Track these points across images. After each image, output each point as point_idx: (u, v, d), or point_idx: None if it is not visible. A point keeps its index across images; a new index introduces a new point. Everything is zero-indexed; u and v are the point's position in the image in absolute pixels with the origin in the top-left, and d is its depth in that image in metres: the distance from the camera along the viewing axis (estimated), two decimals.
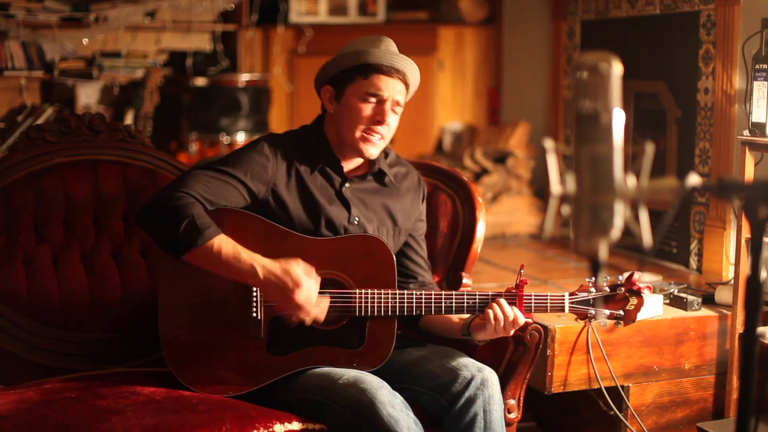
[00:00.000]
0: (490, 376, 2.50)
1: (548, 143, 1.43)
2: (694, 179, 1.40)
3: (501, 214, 5.09)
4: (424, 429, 2.42)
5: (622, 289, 2.55)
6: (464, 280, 2.93)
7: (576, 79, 1.42)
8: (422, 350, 2.65)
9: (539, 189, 5.29)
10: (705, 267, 4.02)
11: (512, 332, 2.55)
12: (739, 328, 3.30)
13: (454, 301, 2.54)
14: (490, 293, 2.54)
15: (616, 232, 1.41)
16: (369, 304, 2.53)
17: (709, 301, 3.50)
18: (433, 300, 2.54)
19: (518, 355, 2.68)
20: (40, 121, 5.17)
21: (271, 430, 2.42)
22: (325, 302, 2.49)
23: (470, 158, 5.32)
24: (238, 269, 2.43)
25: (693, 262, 4.14)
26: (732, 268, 3.70)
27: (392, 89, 2.59)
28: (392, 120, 2.62)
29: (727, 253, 3.88)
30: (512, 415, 2.69)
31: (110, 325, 2.88)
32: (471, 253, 2.96)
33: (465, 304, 2.54)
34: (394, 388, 2.47)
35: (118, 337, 2.88)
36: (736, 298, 3.31)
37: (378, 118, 2.58)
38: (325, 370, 2.52)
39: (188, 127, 5.36)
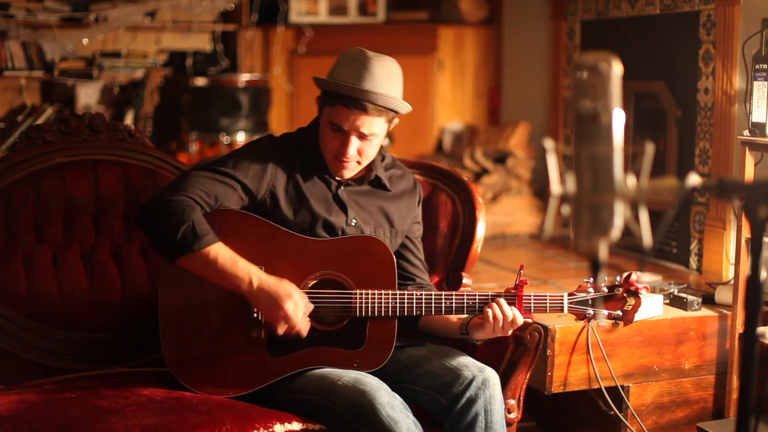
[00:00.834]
0: (491, 376, 2.50)
1: (548, 143, 1.43)
2: (694, 179, 1.40)
3: (501, 214, 5.09)
4: (425, 429, 2.42)
5: (620, 289, 2.55)
6: (464, 280, 2.93)
7: (576, 79, 1.42)
8: (422, 350, 2.65)
9: (539, 189, 5.29)
10: (705, 267, 4.02)
11: (510, 332, 2.56)
12: (739, 328, 3.30)
13: (454, 301, 2.54)
14: (490, 293, 2.54)
15: (616, 232, 1.41)
16: (369, 305, 2.53)
17: (709, 301, 3.50)
18: (433, 300, 2.54)
19: (518, 355, 2.68)
20: (40, 121, 5.17)
21: (271, 430, 2.42)
22: (306, 323, 2.49)
23: (470, 158, 5.32)
24: (233, 276, 2.44)
25: (693, 262, 4.14)
26: (732, 268, 3.70)
27: (354, 123, 2.54)
28: (365, 146, 2.58)
29: (727, 253, 3.88)
30: (512, 415, 2.69)
31: (110, 325, 2.88)
32: (471, 253, 2.96)
33: (465, 305, 2.54)
34: (394, 388, 2.47)
35: (118, 337, 2.88)
36: (736, 298, 3.31)
37: (342, 150, 2.57)
38: (325, 371, 2.52)
39: (188, 127, 5.36)
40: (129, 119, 5.32)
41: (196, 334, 2.56)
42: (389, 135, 5.20)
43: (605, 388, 3.23)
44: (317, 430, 2.47)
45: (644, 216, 1.41)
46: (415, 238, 2.80)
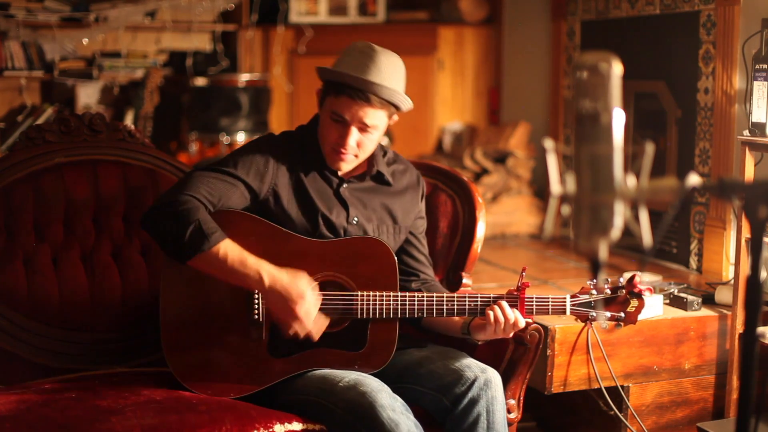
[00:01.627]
0: (493, 377, 2.50)
1: (548, 143, 1.42)
2: (694, 179, 1.40)
3: (501, 214, 5.09)
4: (426, 430, 2.42)
5: (624, 291, 2.55)
6: (464, 280, 2.93)
7: (576, 79, 1.42)
8: (424, 351, 2.65)
9: (539, 189, 5.29)
10: (705, 267, 4.02)
11: (512, 334, 2.56)
12: (739, 328, 3.30)
13: (455, 303, 2.54)
14: (491, 296, 2.54)
15: (616, 232, 1.41)
16: (370, 307, 2.53)
17: (709, 301, 3.50)
18: (435, 302, 2.54)
19: (518, 355, 2.68)
20: (40, 121, 5.17)
21: (271, 430, 2.42)
22: (324, 321, 2.49)
23: (470, 158, 5.32)
24: (243, 274, 2.44)
25: (693, 262, 4.14)
26: (732, 268, 3.70)
27: (356, 114, 2.55)
28: (364, 139, 2.58)
29: (727, 253, 3.88)
30: (512, 415, 2.69)
31: (110, 325, 2.88)
32: (471, 253, 2.96)
33: (467, 307, 2.54)
34: (395, 388, 2.47)
35: (118, 337, 2.88)
36: (736, 298, 3.31)
37: (341, 141, 2.57)
38: (326, 373, 2.52)
39: (188, 127, 5.36)
40: (129, 119, 5.32)
41: (196, 335, 2.56)
42: (389, 134, 5.21)
43: (605, 388, 3.23)
44: (317, 431, 2.47)
45: (644, 216, 1.41)
46: (419, 234, 2.79)
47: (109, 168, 2.96)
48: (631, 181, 1.42)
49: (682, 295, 3.43)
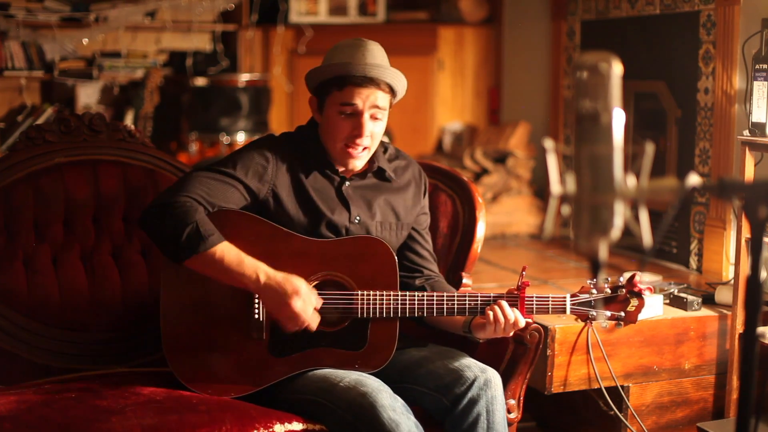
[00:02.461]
0: (493, 377, 2.50)
1: (548, 143, 1.42)
2: (694, 179, 1.40)
3: (501, 214, 5.09)
4: (426, 430, 2.42)
5: (624, 290, 2.55)
6: (464, 280, 2.93)
7: (576, 79, 1.42)
8: (424, 351, 2.65)
9: (539, 189, 5.29)
10: (705, 267, 4.02)
11: (512, 333, 2.56)
12: (739, 328, 3.30)
13: (456, 303, 2.54)
14: (492, 295, 2.54)
15: (616, 232, 1.41)
16: (371, 306, 2.53)
17: (709, 301, 3.50)
18: (435, 302, 2.54)
19: (518, 355, 2.68)
20: (40, 121, 5.17)
21: (271, 430, 2.42)
22: (318, 315, 2.50)
23: (470, 158, 5.32)
24: (239, 274, 2.44)
25: (693, 262, 4.14)
26: (732, 268, 3.70)
27: (367, 99, 2.55)
28: (375, 128, 2.59)
29: (727, 253, 3.88)
30: (512, 415, 2.69)
31: (110, 325, 2.88)
32: (471, 253, 2.96)
33: (467, 306, 2.54)
34: (395, 388, 2.47)
35: (118, 337, 2.88)
36: (736, 298, 3.31)
37: (355, 132, 2.56)
38: (326, 373, 2.52)
39: (188, 127, 5.36)
40: (129, 119, 5.32)
41: (197, 335, 2.56)
42: (389, 133, 5.21)
43: (605, 388, 3.23)
44: (318, 431, 2.47)
45: (644, 216, 1.41)
46: (423, 230, 2.79)
47: (109, 168, 2.96)
48: (631, 181, 1.42)
49: (682, 295, 3.43)
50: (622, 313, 2.54)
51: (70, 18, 5.32)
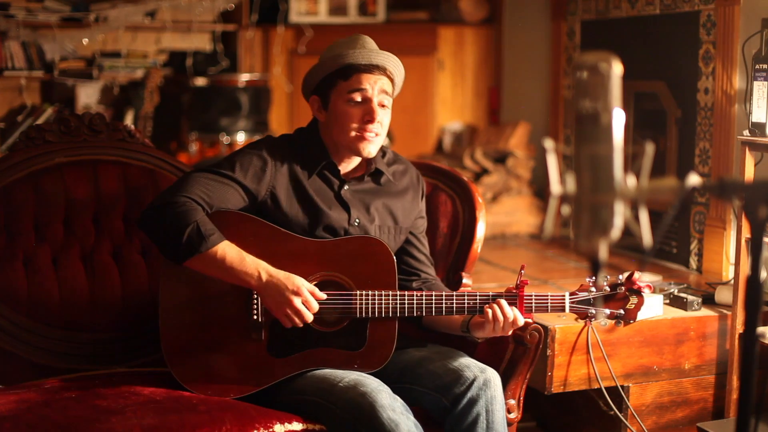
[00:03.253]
0: (492, 377, 2.50)
1: (548, 143, 1.43)
2: (694, 179, 1.40)
3: (501, 214, 5.09)
4: (426, 430, 2.42)
5: (623, 288, 2.55)
6: (464, 280, 2.93)
7: (576, 79, 1.42)
8: (423, 350, 2.65)
9: (539, 189, 5.29)
10: (705, 267, 4.02)
11: (511, 332, 2.55)
12: (739, 328, 3.30)
13: (454, 302, 2.54)
14: (490, 293, 2.54)
15: (616, 232, 1.41)
16: (369, 306, 2.53)
17: (709, 301, 3.50)
18: (434, 301, 2.54)
19: (518, 355, 2.68)
20: (40, 121, 5.17)
21: (271, 430, 2.42)
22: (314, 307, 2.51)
23: (470, 158, 5.32)
24: (241, 272, 2.45)
25: (693, 262, 4.14)
26: (732, 268, 3.70)
27: (375, 85, 2.58)
28: (383, 116, 2.61)
29: (727, 253, 3.88)
30: (512, 415, 2.68)
31: (110, 325, 2.88)
32: (471, 253, 2.96)
33: (466, 305, 2.54)
34: (395, 388, 2.47)
35: (118, 337, 2.88)
36: (736, 298, 3.31)
37: (367, 118, 2.57)
38: (326, 372, 2.52)
39: (188, 127, 5.36)
40: (129, 119, 5.32)
41: (196, 335, 2.56)
42: (389, 134, 5.21)
43: (605, 388, 3.23)
44: (317, 431, 2.47)
45: (644, 216, 1.41)
46: (420, 233, 2.80)
47: (109, 168, 2.96)
48: (631, 181, 1.42)
49: (682, 295, 3.43)
50: (622, 311, 2.54)
51: (70, 18, 5.32)
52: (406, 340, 2.67)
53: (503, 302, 2.50)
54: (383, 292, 2.53)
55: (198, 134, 5.32)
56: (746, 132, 3.38)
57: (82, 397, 2.50)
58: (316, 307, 2.48)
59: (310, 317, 2.48)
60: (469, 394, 2.47)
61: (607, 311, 2.54)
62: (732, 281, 3.48)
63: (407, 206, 2.75)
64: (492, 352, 2.71)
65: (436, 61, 5.87)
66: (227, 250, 2.45)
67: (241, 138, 5.28)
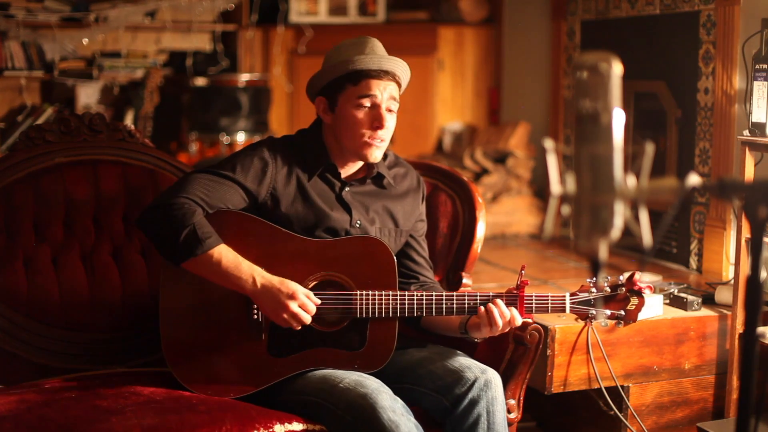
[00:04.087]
0: (493, 377, 2.50)
1: (548, 143, 1.42)
2: (694, 179, 1.40)
3: (501, 214, 5.09)
4: (426, 430, 2.42)
5: (623, 289, 2.55)
6: (464, 280, 2.93)
7: (576, 79, 1.42)
8: (424, 351, 2.65)
9: (539, 189, 5.29)
10: (705, 267, 4.02)
11: (508, 330, 2.54)
12: (739, 328, 3.30)
13: (455, 302, 2.54)
14: (490, 294, 2.54)
15: (616, 232, 1.41)
16: (370, 306, 2.53)
17: (709, 301, 3.50)
18: (434, 301, 2.54)
19: (518, 355, 2.68)
20: (40, 121, 5.17)
21: (271, 430, 2.42)
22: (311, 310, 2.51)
23: (470, 158, 5.32)
24: (236, 277, 2.45)
25: (693, 262, 4.14)
26: (732, 268, 3.70)
27: (384, 91, 2.58)
28: (390, 122, 2.61)
29: (727, 253, 3.88)
30: (512, 415, 2.68)
31: (110, 325, 2.88)
32: (471, 253, 2.96)
33: (466, 305, 2.54)
34: (395, 389, 2.47)
35: (118, 337, 2.88)
36: (736, 298, 3.31)
37: (376, 124, 2.57)
38: (326, 373, 2.52)
39: (188, 127, 5.36)
40: (129, 119, 5.32)
41: (196, 335, 2.56)
42: None
43: (605, 388, 3.23)
44: (318, 431, 2.47)
45: (644, 216, 1.41)
46: (419, 236, 2.80)
47: (109, 168, 2.96)
48: (631, 181, 1.42)
49: (682, 295, 3.43)
50: (622, 312, 2.54)
51: (70, 18, 5.32)
52: (407, 341, 2.67)
53: (500, 301, 2.50)
54: (383, 293, 2.53)
55: (198, 134, 5.32)
56: (746, 132, 3.38)
57: (82, 397, 2.50)
58: (313, 309, 2.48)
59: (308, 319, 2.47)
60: (470, 395, 2.47)
61: (608, 312, 2.54)
62: (732, 281, 3.48)
63: (408, 209, 2.75)
64: (492, 352, 2.71)
65: (436, 61, 5.87)
66: (224, 253, 2.45)
67: (241, 138, 5.28)
